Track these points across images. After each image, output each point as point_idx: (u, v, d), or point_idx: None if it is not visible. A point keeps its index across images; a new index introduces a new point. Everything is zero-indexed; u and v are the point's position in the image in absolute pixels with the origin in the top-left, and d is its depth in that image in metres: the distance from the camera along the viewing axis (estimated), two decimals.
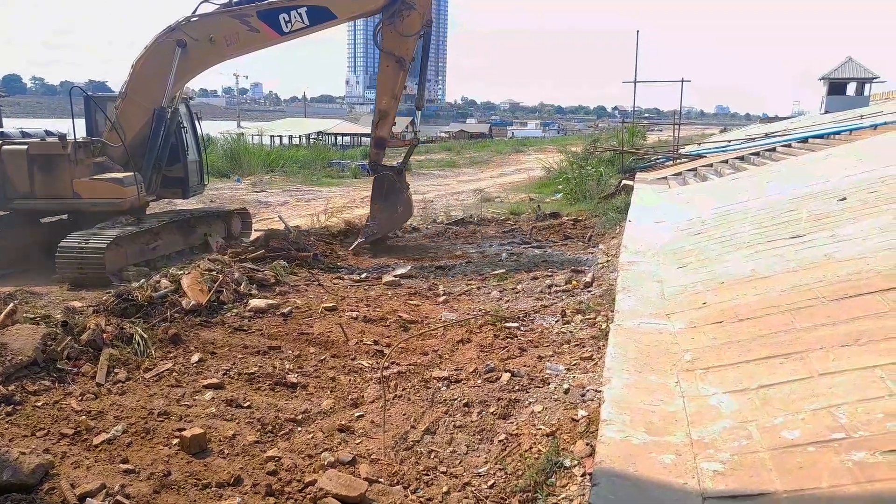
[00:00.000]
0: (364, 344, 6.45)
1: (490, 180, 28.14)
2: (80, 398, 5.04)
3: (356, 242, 11.87)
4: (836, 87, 40.74)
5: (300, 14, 10.78)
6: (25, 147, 10.48)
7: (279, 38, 10.95)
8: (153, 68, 10.78)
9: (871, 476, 2.51)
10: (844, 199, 7.38)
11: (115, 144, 10.94)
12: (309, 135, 56.82)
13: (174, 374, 5.60)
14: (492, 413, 4.73)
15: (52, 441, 4.38)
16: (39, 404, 4.88)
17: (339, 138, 62.80)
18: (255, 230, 13.37)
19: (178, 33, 10.70)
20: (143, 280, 7.79)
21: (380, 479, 4.01)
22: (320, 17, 10.96)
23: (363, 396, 5.27)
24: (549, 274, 9.16)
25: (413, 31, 11.32)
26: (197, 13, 10.85)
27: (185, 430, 4.45)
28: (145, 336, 6.10)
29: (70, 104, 10.96)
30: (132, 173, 10.73)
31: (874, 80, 40.83)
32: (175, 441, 4.37)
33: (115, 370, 5.56)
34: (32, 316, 6.36)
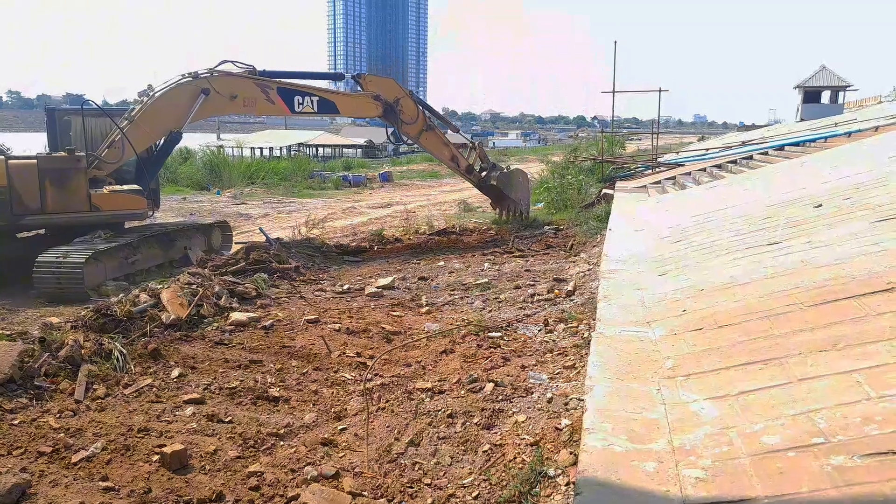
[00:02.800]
0: (347, 356, 6.42)
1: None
2: (58, 415, 4.96)
3: (520, 215, 15.48)
4: (810, 96, 41.47)
5: (312, 101, 12.58)
6: (35, 161, 10.34)
7: (289, 113, 12.62)
8: (169, 105, 11.35)
9: (850, 480, 2.54)
10: (820, 205, 7.48)
11: (112, 161, 11.00)
12: (290, 146, 56.73)
13: (154, 389, 5.53)
14: (475, 423, 4.72)
15: (30, 460, 4.30)
16: (16, 422, 4.80)
17: (321, 150, 62.75)
18: (236, 243, 13.30)
19: (204, 82, 11.45)
20: (122, 295, 7.71)
21: (364, 493, 3.99)
22: (327, 108, 13.01)
23: (346, 409, 5.24)
24: (532, 283, 9.19)
25: (414, 112, 13.60)
26: (219, 69, 11.78)
27: (165, 446, 4.39)
28: (124, 351, 6.02)
29: (82, 118, 11.26)
30: (137, 186, 11.25)
31: (848, 89, 41.61)
32: (155, 457, 4.31)
33: (94, 386, 5.48)
34: (9, 332, 6.27)
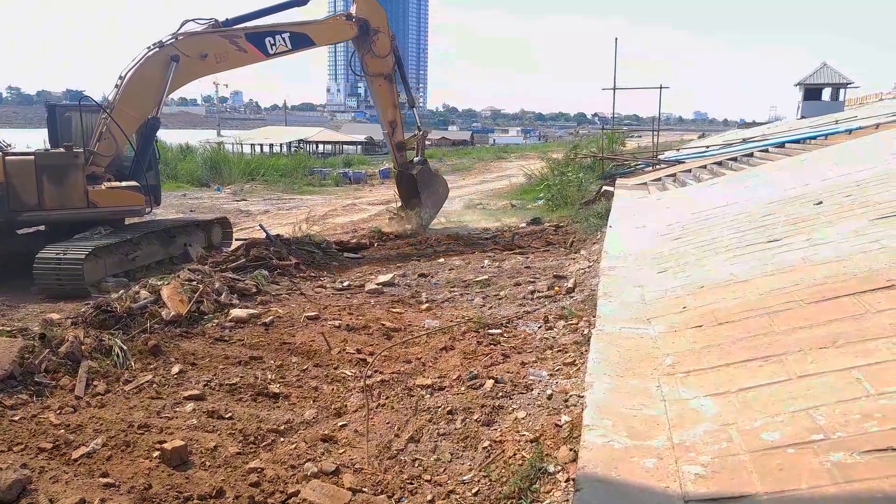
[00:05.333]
0: (347, 353, 6.42)
1: (472, 187, 28.23)
2: (58, 412, 4.97)
3: (417, 226, 14.28)
4: (811, 93, 41.32)
5: (284, 38, 12.18)
6: (32, 157, 10.27)
7: (265, 57, 12.21)
8: (144, 80, 11.08)
9: (850, 476, 2.55)
10: (821, 202, 7.48)
11: (106, 154, 10.88)
12: (290, 143, 56.64)
13: (154, 385, 5.54)
14: (475, 420, 4.73)
15: (30, 455, 4.31)
16: (17, 418, 4.80)
17: (321, 146, 62.68)
18: (236, 239, 13.30)
19: (171, 49, 11.12)
20: (122, 291, 7.71)
21: (364, 489, 3.99)
22: (302, 43, 12.54)
23: (346, 406, 5.24)
24: (532, 280, 9.19)
25: (386, 50, 13.50)
26: (182, 31, 11.38)
27: (165, 442, 4.40)
28: (125, 348, 6.03)
29: (81, 114, 11.16)
30: (135, 182, 11.10)
31: (849, 86, 41.49)
32: (156, 454, 4.31)
33: (94, 383, 5.49)
34: (9, 328, 6.27)
